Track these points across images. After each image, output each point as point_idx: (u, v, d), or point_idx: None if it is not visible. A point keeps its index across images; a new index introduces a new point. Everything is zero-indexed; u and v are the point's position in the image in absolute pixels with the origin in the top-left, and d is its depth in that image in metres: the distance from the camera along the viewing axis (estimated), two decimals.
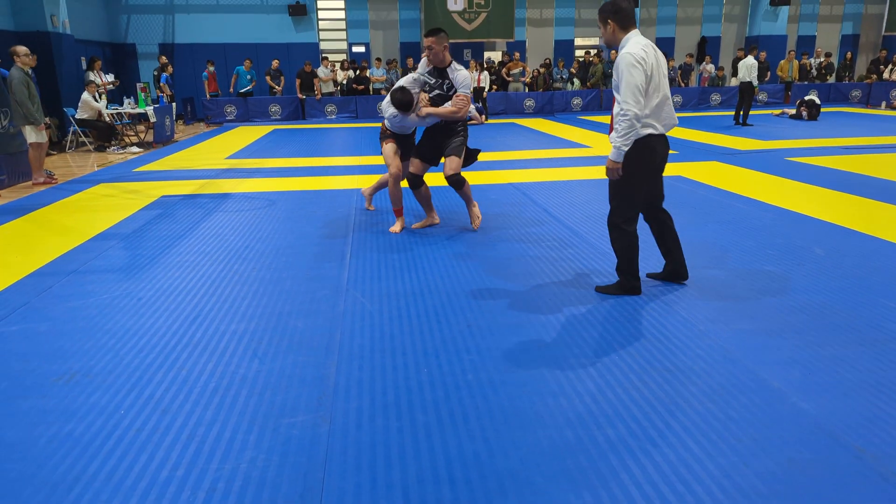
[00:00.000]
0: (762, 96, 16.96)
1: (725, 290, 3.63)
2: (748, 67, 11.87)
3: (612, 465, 2.06)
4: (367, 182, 7.14)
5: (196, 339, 3.04)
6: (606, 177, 3.40)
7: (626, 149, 3.25)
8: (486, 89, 15.48)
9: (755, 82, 11.90)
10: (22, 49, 7.23)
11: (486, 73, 15.69)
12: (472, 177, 7.25)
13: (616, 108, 3.25)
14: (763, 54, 17.12)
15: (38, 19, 11.14)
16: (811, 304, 3.40)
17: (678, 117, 3.50)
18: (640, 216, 3.64)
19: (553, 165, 8.06)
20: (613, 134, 3.25)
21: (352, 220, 5.41)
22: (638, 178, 3.36)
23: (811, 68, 17.54)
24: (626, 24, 3.30)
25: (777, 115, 14.01)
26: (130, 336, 3.08)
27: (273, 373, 2.71)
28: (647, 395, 2.49)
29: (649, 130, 3.27)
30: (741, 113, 12.11)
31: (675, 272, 3.76)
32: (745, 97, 12.02)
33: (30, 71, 7.33)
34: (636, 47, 3.21)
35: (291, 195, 6.51)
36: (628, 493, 1.93)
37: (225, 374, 2.70)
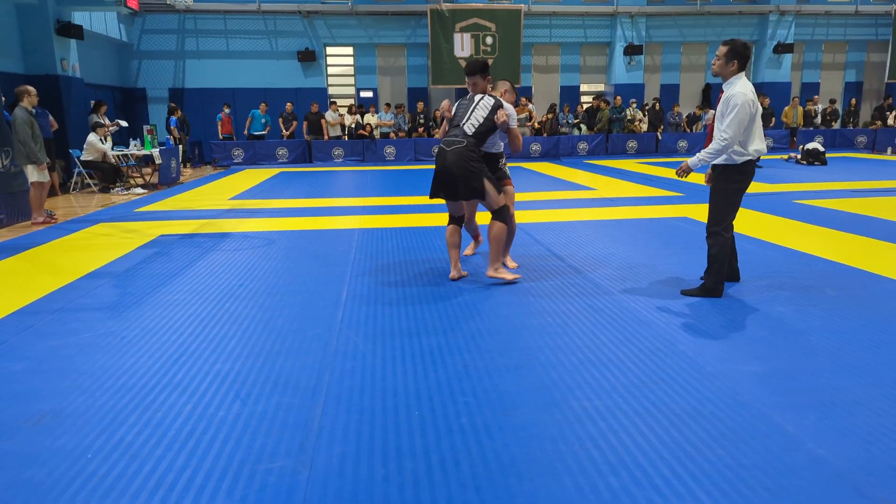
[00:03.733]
0: (768, 142, 16.98)
1: (734, 331, 3.46)
2: None
3: None
4: (370, 222, 7.08)
5: (176, 380, 2.90)
6: (676, 176, 4.18)
7: (706, 165, 4.03)
8: None
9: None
10: (32, 89, 7.32)
11: None
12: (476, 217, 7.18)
13: (715, 130, 3.95)
14: (767, 101, 17.26)
15: (48, 63, 11.35)
16: (825, 345, 3.23)
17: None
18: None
19: (558, 206, 7.99)
20: (706, 150, 3.96)
21: (351, 259, 5.30)
22: (739, 193, 4.05)
23: (815, 115, 17.61)
24: (743, 66, 3.95)
25: (785, 160, 13.98)
26: (108, 376, 2.94)
27: (254, 415, 2.56)
28: (652, 441, 2.31)
29: (748, 157, 3.94)
30: None
31: (730, 276, 4.38)
32: None
33: (34, 110, 7.39)
34: (747, 89, 3.88)
35: (292, 234, 6.44)
36: None
37: (203, 416, 2.55)
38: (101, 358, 3.16)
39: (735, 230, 6.42)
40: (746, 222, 6.52)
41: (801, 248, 5.45)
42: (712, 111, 17.24)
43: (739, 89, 3.85)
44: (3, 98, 7.38)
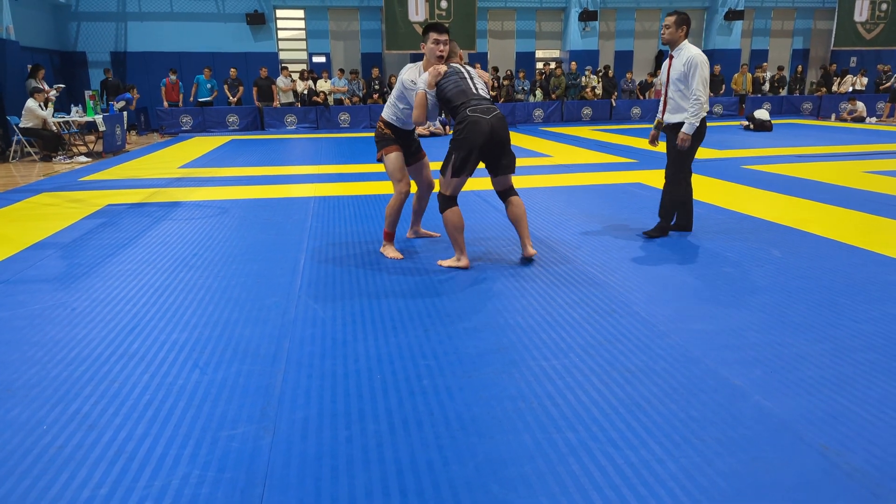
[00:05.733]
0: (717, 108, 17.35)
1: (685, 292, 3.59)
2: None
3: (573, 469, 1.96)
4: (325, 190, 6.98)
5: (132, 350, 2.84)
6: (678, 145, 4.49)
7: (697, 125, 4.40)
8: None
9: None
10: None
11: None
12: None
13: (673, 92, 4.48)
14: (717, 67, 17.58)
15: None
16: (771, 303, 3.38)
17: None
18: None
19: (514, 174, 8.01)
20: (688, 116, 4.39)
21: (307, 227, 5.24)
22: (696, 146, 4.53)
23: (764, 81, 18.06)
24: (688, 33, 4.50)
25: (743, 128, 14.21)
26: (60, 348, 2.86)
27: (214, 383, 2.54)
28: (608, 397, 2.40)
29: (704, 113, 4.42)
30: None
31: (686, 224, 4.88)
32: None
33: None
34: (699, 51, 4.40)
35: (245, 203, 6.30)
36: (588, 497, 1.82)
37: (161, 385, 2.51)
38: (51, 329, 3.07)
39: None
40: (698, 187, 6.69)
41: (749, 211, 5.65)
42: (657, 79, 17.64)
43: (696, 51, 4.39)
44: None
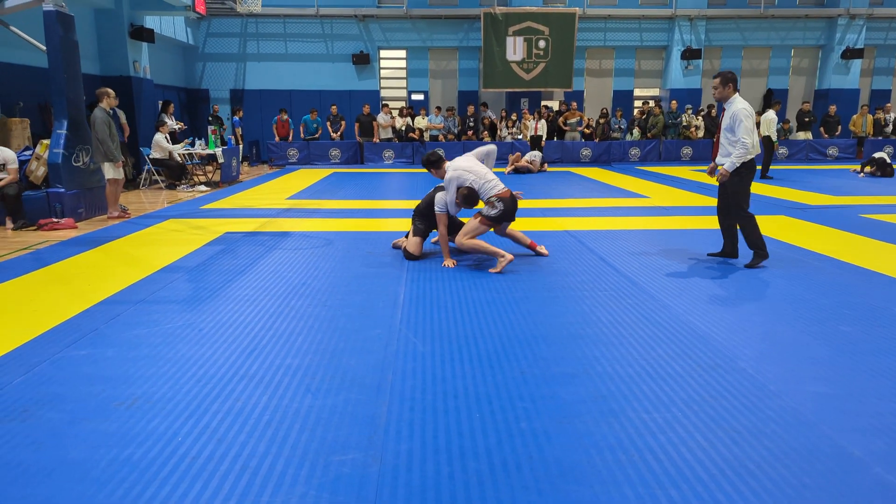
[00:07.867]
0: (832, 150, 16.41)
1: (799, 350, 3.43)
2: (767, 122, 11.96)
3: None
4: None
5: (252, 372, 3.08)
6: (718, 182, 5.25)
7: (738, 166, 5.06)
8: (544, 138, 15.58)
9: (774, 137, 12.02)
10: (111, 91, 7.77)
11: (543, 121, 15.83)
12: (527, 223, 7.24)
13: (724, 139, 5.16)
14: (833, 108, 16.66)
15: (122, 65, 12.01)
16: (892, 368, 3.17)
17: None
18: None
19: (610, 214, 7.96)
20: (731, 157, 5.04)
21: (406, 260, 5.44)
22: (749, 182, 5.20)
23: (886, 124, 16.87)
24: (737, 88, 5.14)
25: (852, 171, 13.40)
26: (190, 365, 3.15)
27: (325, 409, 2.71)
28: (713, 456, 2.35)
29: (752, 155, 5.08)
30: (760, 168, 12.03)
31: (732, 252, 5.50)
32: (766, 151, 12.04)
33: (111, 111, 7.83)
34: (745, 104, 5.09)
35: (348, 235, 6.63)
36: None
37: (279, 407, 2.71)
38: (182, 347, 3.39)
39: (799, 244, 6.42)
40: (811, 236, 6.37)
41: (867, 265, 5.31)
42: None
43: (740, 105, 5.07)
44: (85, 97, 7.86)
